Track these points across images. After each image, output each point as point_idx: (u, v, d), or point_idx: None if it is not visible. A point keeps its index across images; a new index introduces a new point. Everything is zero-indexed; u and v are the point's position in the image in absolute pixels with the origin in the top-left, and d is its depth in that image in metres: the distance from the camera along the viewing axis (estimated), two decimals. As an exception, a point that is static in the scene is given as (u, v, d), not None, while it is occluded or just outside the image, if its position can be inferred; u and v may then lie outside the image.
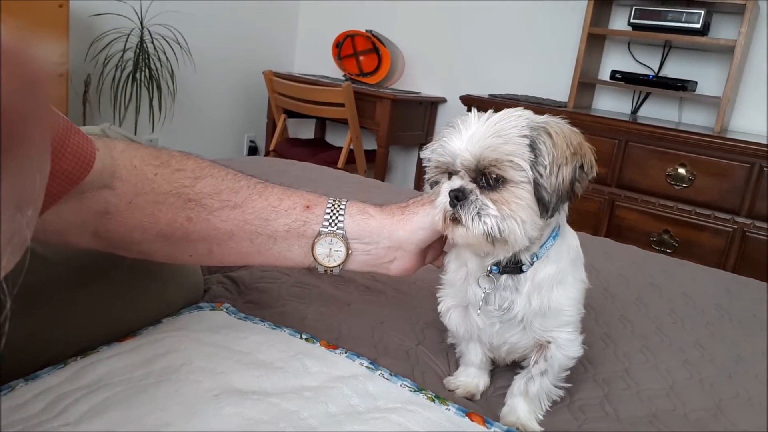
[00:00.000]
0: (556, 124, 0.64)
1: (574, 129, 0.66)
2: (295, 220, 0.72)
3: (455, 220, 0.65)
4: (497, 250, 0.65)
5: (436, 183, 0.70)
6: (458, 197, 0.64)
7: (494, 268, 0.69)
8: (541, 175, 0.61)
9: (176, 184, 0.67)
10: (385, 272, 0.77)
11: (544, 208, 0.62)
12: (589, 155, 0.64)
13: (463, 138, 0.64)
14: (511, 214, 0.62)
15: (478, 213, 0.62)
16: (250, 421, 0.58)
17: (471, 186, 0.64)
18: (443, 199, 0.65)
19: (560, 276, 0.69)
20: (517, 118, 0.64)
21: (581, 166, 0.63)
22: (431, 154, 0.68)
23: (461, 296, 0.75)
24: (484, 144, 0.62)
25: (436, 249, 0.79)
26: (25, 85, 0.32)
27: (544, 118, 0.65)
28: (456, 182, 0.65)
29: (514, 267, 0.69)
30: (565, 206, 0.68)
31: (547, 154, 0.61)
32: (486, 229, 0.62)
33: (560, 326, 0.71)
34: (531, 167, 0.61)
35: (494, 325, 0.72)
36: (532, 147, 0.62)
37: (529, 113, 0.65)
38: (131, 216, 0.66)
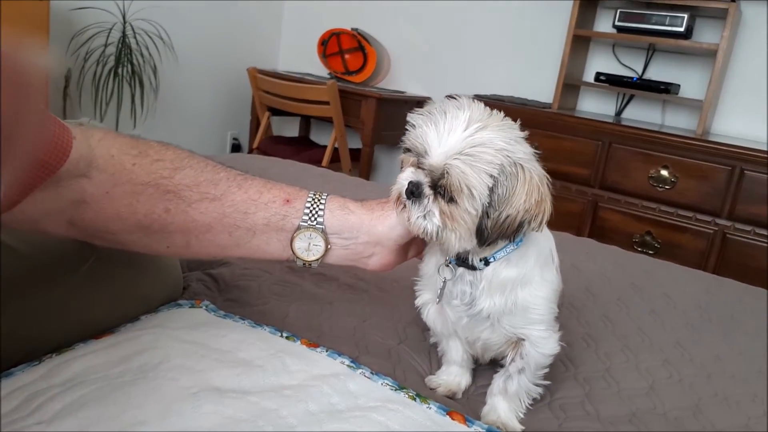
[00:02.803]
0: (529, 173, 0.62)
1: (544, 180, 0.64)
2: (274, 213, 0.71)
3: (405, 206, 0.67)
4: (433, 244, 0.68)
5: (408, 151, 0.68)
6: (413, 192, 0.65)
7: (452, 259, 0.70)
8: (488, 216, 0.62)
9: (155, 174, 0.66)
10: (364, 267, 0.76)
11: (480, 236, 0.63)
12: (543, 215, 0.63)
13: (440, 143, 0.62)
14: (452, 229, 0.64)
15: (424, 215, 0.65)
16: (228, 420, 0.58)
17: (428, 191, 0.65)
18: (402, 183, 0.67)
19: (525, 278, 0.69)
20: (494, 153, 0.61)
21: (530, 221, 0.63)
22: (413, 133, 0.66)
23: (434, 287, 0.75)
24: (452, 163, 0.61)
25: (419, 245, 0.78)
26: (15, 92, 0.32)
27: (524, 155, 0.63)
28: (419, 176, 0.66)
29: (467, 264, 0.70)
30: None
31: (503, 202, 0.61)
32: (425, 229, 0.65)
33: (530, 324, 0.71)
34: (485, 204, 0.61)
35: (462, 319, 0.73)
36: (493, 190, 0.61)
37: (510, 143, 0.62)
38: (108, 206, 0.65)
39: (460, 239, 0.64)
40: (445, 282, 0.72)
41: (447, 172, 0.62)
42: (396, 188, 0.69)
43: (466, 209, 0.62)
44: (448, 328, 0.76)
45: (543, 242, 0.72)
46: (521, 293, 0.69)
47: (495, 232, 0.63)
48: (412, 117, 0.67)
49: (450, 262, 0.71)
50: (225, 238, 0.71)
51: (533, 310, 0.70)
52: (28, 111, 0.35)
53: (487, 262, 0.69)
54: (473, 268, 0.70)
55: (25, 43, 0.33)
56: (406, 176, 0.67)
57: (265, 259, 0.75)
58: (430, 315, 0.78)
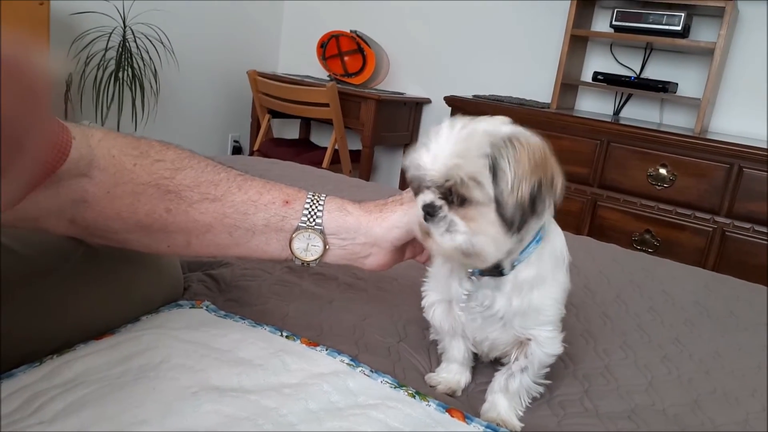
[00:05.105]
0: (523, 138, 0.62)
1: (543, 144, 0.63)
2: (274, 214, 0.72)
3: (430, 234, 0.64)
4: (473, 262, 0.65)
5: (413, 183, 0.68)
6: (429, 213, 0.63)
7: (476, 270, 0.69)
8: (502, 193, 0.59)
9: (155, 175, 0.67)
10: (360, 266, 0.77)
11: (509, 225, 0.61)
12: (551, 172, 0.62)
13: (430, 155, 0.62)
14: (480, 231, 0.61)
15: (447, 229, 0.62)
16: (228, 419, 0.58)
17: (440, 202, 0.63)
18: (418, 212, 0.65)
19: (540, 278, 0.69)
20: (481, 135, 0.61)
21: (540, 184, 0.60)
22: (409, 164, 0.66)
23: (445, 290, 0.75)
24: (448, 164, 0.61)
25: (416, 246, 0.79)
26: (23, 96, 0.32)
27: (512, 130, 0.62)
28: (428, 197, 0.64)
29: (494, 271, 0.68)
30: (544, 216, 0.66)
31: (508, 171, 0.59)
32: (457, 244, 0.62)
33: (540, 325, 0.72)
34: (493, 185, 0.60)
35: (476, 320, 0.73)
36: (494, 165, 0.59)
37: (496, 126, 0.62)
38: (110, 205, 0.65)
39: (495, 241, 0.61)
40: (467, 294, 0.71)
41: (447, 173, 0.61)
42: (414, 221, 0.66)
43: (480, 201, 0.60)
44: (456, 328, 0.76)
45: (557, 240, 0.72)
46: (535, 294, 0.69)
47: (519, 211, 0.60)
48: (404, 161, 0.67)
49: (473, 273, 0.69)
50: (225, 238, 0.72)
51: (544, 311, 0.71)
52: (36, 116, 0.35)
53: (512, 266, 0.68)
54: (500, 274, 0.68)
55: (31, 46, 0.33)
56: (418, 203, 0.65)
57: (264, 258, 0.76)
58: (437, 315, 0.77)
